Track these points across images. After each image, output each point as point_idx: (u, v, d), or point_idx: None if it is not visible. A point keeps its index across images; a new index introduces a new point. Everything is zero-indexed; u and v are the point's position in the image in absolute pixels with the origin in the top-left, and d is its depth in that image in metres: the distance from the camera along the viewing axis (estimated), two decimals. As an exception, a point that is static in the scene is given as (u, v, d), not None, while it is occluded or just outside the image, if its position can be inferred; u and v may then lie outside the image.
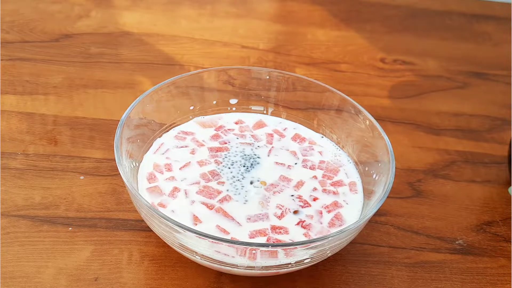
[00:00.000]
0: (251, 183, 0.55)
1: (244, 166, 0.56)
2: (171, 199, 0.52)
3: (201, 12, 0.89)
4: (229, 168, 0.56)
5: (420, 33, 0.92)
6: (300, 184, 0.55)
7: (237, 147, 0.58)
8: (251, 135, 0.61)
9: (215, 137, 0.59)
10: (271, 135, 0.61)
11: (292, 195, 0.54)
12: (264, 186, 0.55)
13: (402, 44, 0.88)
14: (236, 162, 0.57)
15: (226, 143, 0.59)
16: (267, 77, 0.63)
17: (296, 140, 0.61)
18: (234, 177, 0.55)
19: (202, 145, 0.58)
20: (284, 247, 0.45)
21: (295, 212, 0.52)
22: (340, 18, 0.92)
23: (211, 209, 0.51)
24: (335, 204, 0.54)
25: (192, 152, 0.57)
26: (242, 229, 0.50)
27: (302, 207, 0.53)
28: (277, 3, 0.95)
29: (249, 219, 0.51)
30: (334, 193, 0.55)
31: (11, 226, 0.53)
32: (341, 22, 0.91)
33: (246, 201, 0.53)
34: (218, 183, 0.54)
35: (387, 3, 0.97)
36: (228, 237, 0.49)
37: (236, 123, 0.62)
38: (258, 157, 0.58)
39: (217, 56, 0.80)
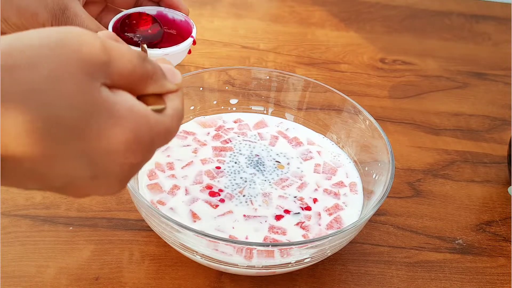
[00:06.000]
0: (252, 180, 0.55)
1: (246, 165, 0.56)
2: (171, 196, 0.52)
3: (201, 12, 0.89)
4: (232, 167, 0.56)
5: (420, 33, 0.92)
6: (301, 186, 0.55)
7: (237, 144, 0.59)
8: (252, 134, 0.61)
9: (216, 137, 0.60)
10: (271, 134, 0.61)
11: (295, 196, 0.54)
12: (282, 170, 0.55)
13: (401, 44, 0.88)
14: (239, 161, 0.57)
15: (228, 142, 0.59)
16: (267, 77, 0.63)
17: (296, 141, 0.61)
18: (236, 175, 0.55)
19: (205, 144, 0.58)
20: (281, 247, 0.46)
21: (296, 214, 0.52)
22: (340, 18, 0.92)
23: (212, 206, 0.52)
24: (336, 207, 0.54)
25: (195, 151, 0.57)
26: (242, 228, 0.50)
27: (303, 208, 0.53)
28: (277, 3, 0.95)
29: (249, 218, 0.51)
30: (335, 194, 0.55)
31: (12, 225, 0.53)
32: (341, 22, 0.92)
33: (248, 200, 0.53)
34: (220, 182, 0.54)
35: (387, 4, 0.98)
36: (227, 235, 0.49)
37: (235, 122, 0.62)
38: (261, 156, 0.58)
39: (218, 56, 0.80)
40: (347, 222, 0.52)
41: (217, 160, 0.57)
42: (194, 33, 0.48)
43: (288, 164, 0.58)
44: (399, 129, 0.71)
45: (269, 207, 0.52)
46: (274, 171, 0.56)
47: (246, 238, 0.49)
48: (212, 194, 0.53)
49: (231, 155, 0.58)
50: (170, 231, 0.46)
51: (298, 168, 0.57)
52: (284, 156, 0.58)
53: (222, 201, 0.52)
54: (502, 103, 0.78)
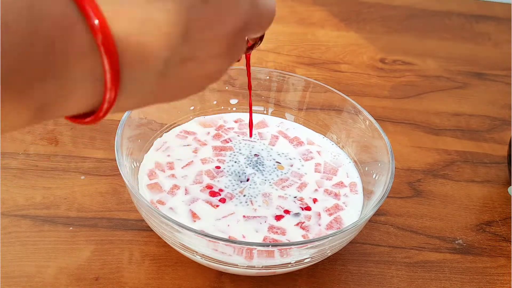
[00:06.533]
0: (249, 179, 0.55)
1: (246, 165, 0.56)
2: (170, 196, 0.52)
3: (201, 12, 0.89)
4: (232, 166, 0.56)
5: (420, 34, 0.92)
6: (301, 186, 0.55)
7: (236, 144, 0.59)
8: (253, 134, 0.61)
9: (216, 136, 0.60)
10: (272, 134, 0.61)
11: (295, 197, 0.54)
12: (282, 170, 0.55)
13: (401, 44, 0.89)
14: (239, 160, 0.57)
15: (228, 142, 0.59)
16: (267, 77, 0.63)
17: (296, 140, 0.61)
18: (237, 175, 0.55)
19: (205, 144, 0.58)
20: (281, 247, 0.46)
21: (296, 214, 0.52)
22: (340, 18, 0.92)
23: (212, 206, 0.52)
24: (336, 207, 0.54)
25: (195, 151, 0.57)
26: (241, 228, 0.50)
27: (302, 208, 0.53)
28: (277, 3, 0.95)
29: (249, 218, 0.51)
30: (335, 194, 0.55)
31: (12, 225, 0.53)
32: (341, 22, 0.92)
33: (248, 200, 0.53)
34: (220, 181, 0.54)
35: (387, 4, 0.98)
36: (226, 236, 0.49)
37: (236, 121, 0.62)
38: (260, 156, 0.58)
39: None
40: (347, 222, 0.52)
41: (217, 160, 0.57)
42: None
43: (289, 164, 0.58)
44: (399, 129, 0.71)
45: (269, 207, 0.52)
46: (274, 171, 0.56)
47: (243, 237, 0.49)
48: (212, 193, 0.53)
49: (231, 154, 0.58)
50: (170, 231, 0.46)
51: (299, 168, 0.57)
52: (285, 156, 0.58)
53: (222, 200, 0.52)
54: (502, 103, 0.78)
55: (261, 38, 0.46)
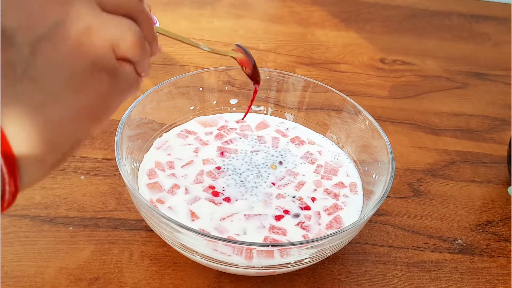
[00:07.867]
0: (253, 181, 0.55)
1: (248, 165, 0.56)
2: (170, 195, 0.52)
3: (201, 12, 0.89)
4: (233, 166, 0.56)
5: (420, 34, 0.92)
6: (300, 185, 0.55)
7: (238, 144, 0.59)
8: (254, 134, 0.61)
9: (218, 136, 0.60)
10: (272, 135, 0.61)
11: (294, 196, 0.54)
12: (274, 170, 0.55)
13: (401, 44, 0.89)
14: (240, 160, 0.57)
15: (229, 143, 0.59)
16: (267, 77, 0.63)
17: (296, 141, 0.61)
18: (237, 175, 0.55)
19: (206, 144, 0.58)
20: (280, 247, 0.46)
21: (296, 216, 0.52)
22: (340, 19, 0.92)
23: (212, 205, 0.52)
24: (335, 206, 0.54)
25: (196, 151, 0.57)
26: (242, 228, 0.50)
27: (302, 208, 0.53)
28: (277, 4, 0.95)
29: (249, 217, 0.51)
30: (335, 194, 0.55)
31: (12, 225, 0.53)
32: (341, 22, 0.92)
33: (248, 200, 0.53)
34: (221, 181, 0.54)
35: (387, 4, 0.98)
36: (226, 235, 0.49)
37: (237, 122, 0.62)
38: (262, 156, 0.58)
39: (217, 56, 0.80)
40: (347, 222, 0.52)
41: (218, 160, 0.57)
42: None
43: (289, 164, 0.58)
44: (399, 129, 0.71)
45: (269, 207, 0.52)
46: (274, 171, 0.56)
47: (238, 235, 0.49)
48: (214, 193, 0.53)
49: (232, 155, 0.58)
50: (170, 231, 0.46)
51: (297, 167, 0.57)
52: (285, 156, 0.58)
53: (224, 200, 0.52)
54: (502, 103, 0.78)
55: (254, 72, 0.48)
